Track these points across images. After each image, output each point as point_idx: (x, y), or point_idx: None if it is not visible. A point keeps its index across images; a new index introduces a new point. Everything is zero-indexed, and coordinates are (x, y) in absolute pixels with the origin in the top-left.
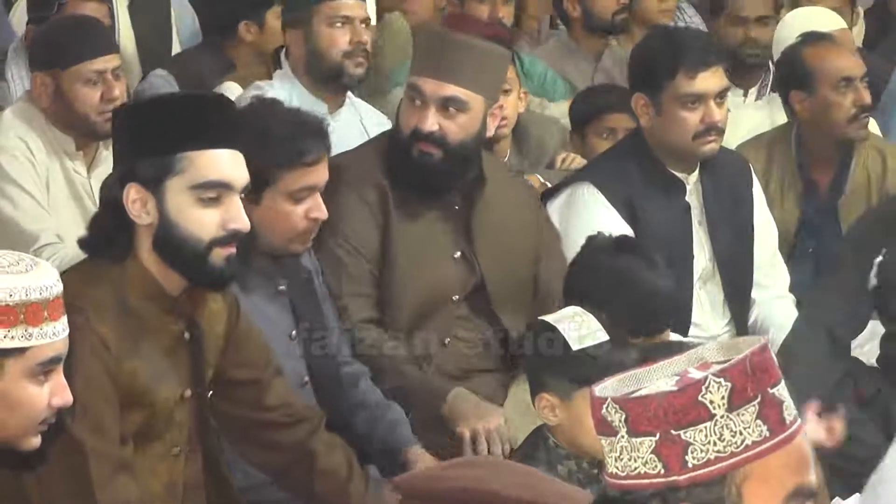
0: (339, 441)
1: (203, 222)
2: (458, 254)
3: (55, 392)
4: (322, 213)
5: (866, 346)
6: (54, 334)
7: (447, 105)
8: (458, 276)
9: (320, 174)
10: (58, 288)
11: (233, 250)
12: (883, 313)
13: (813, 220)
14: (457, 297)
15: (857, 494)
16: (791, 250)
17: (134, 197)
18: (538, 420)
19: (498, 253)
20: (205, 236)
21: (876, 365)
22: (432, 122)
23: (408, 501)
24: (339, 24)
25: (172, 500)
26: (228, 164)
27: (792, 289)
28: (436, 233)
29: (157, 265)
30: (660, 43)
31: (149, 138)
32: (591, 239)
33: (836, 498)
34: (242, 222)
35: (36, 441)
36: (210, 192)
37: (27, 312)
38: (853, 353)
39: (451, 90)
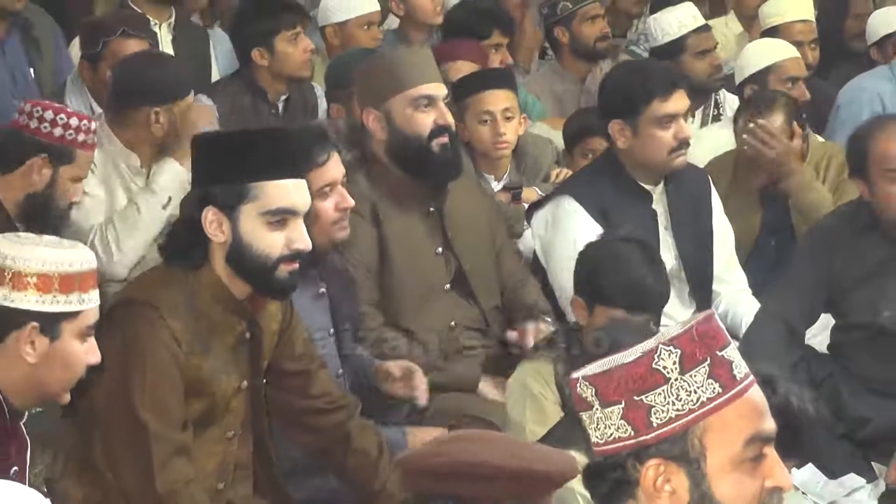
0: (371, 425)
1: (271, 243)
2: (439, 249)
3: (90, 352)
4: (349, 201)
5: (818, 336)
6: (97, 300)
7: (444, 101)
8: (442, 268)
9: (336, 169)
10: (94, 262)
11: (296, 266)
12: (832, 308)
13: (772, 221)
14: (447, 286)
15: (811, 464)
16: (754, 247)
17: (211, 218)
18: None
19: (470, 245)
20: (273, 254)
21: (827, 352)
22: (449, 116)
23: (409, 476)
24: None
25: (224, 478)
26: (293, 193)
27: (755, 281)
28: (419, 233)
29: (227, 275)
30: (632, 73)
31: (226, 168)
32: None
33: (793, 468)
34: (305, 243)
35: (67, 397)
36: (278, 217)
37: (81, 280)
38: (807, 342)
39: (443, 88)
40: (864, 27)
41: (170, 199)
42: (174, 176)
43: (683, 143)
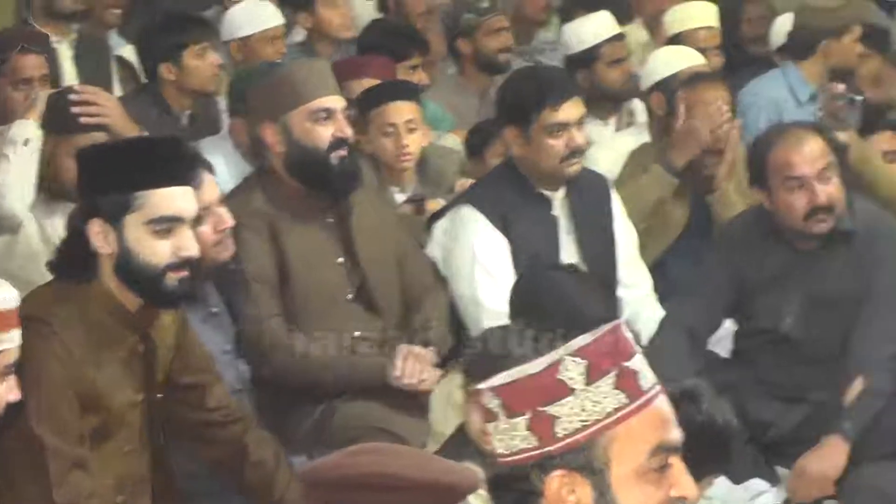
0: (269, 437)
1: (158, 251)
2: (341, 259)
3: (10, 391)
4: (227, 221)
5: (722, 341)
6: (16, 340)
7: (344, 113)
8: (344, 279)
9: (211, 192)
10: (13, 302)
11: (185, 273)
12: (736, 313)
13: (698, 223)
14: (350, 296)
15: (724, 476)
16: (676, 245)
17: (97, 230)
18: (459, 410)
19: (373, 255)
20: (160, 263)
21: (729, 357)
22: (348, 129)
23: (313, 489)
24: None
25: (123, 492)
26: (179, 200)
27: (671, 280)
28: (319, 243)
29: (117, 287)
30: (525, 81)
31: (109, 178)
32: (534, 259)
33: (707, 477)
34: (193, 250)
35: None
36: (163, 225)
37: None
38: (711, 348)
39: (342, 100)
40: (761, 31)
41: (27, 140)
42: (23, 125)
43: (576, 152)
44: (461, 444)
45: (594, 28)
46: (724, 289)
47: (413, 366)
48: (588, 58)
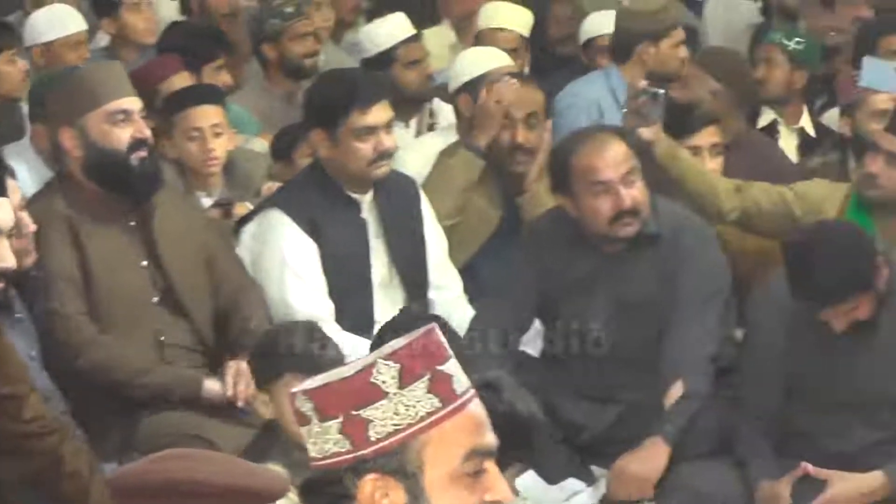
0: (84, 447)
1: None
2: (144, 262)
3: None
4: (28, 227)
5: (533, 342)
6: None
7: (141, 113)
8: (148, 282)
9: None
10: None
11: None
12: (544, 314)
13: (511, 224)
14: (155, 299)
15: (531, 471)
16: (488, 245)
17: None
18: None
19: (178, 258)
20: None
21: (540, 358)
22: (147, 129)
23: (120, 495)
24: None
25: None
26: None
27: (485, 282)
28: (121, 246)
29: None
30: (333, 83)
31: None
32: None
33: (511, 468)
34: (10, 261)
35: None
36: None
37: None
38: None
39: (139, 102)
40: (567, 32)
41: None
42: None
43: (384, 155)
44: (266, 444)
45: (389, 30)
46: (531, 290)
47: (243, 384)
48: (384, 60)
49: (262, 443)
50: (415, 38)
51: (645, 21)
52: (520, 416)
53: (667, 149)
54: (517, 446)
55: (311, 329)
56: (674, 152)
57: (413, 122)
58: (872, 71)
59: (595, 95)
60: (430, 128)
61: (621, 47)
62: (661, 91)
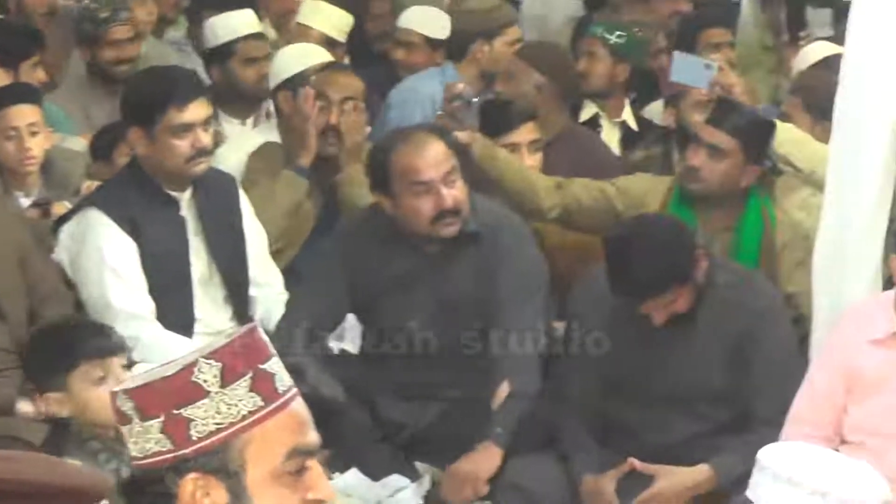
0: None
1: None
2: None
3: None
4: None
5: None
6: None
7: None
8: None
9: None
10: None
11: None
12: (361, 311)
13: (323, 215)
14: None
15: (354, 468)
16: (308, 243)
17: None
18: None
19: None
20: None
21: (359, 355)
22: None
23: None
24: None
25: None
26: None
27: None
28: None
29: None
30: (150, 81)
31: None
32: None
33: (335, 473)
34: None
35: None
36: None
37: None
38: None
39: None
40: (384, 28)
41: None
42: None
43: (202, 152)
44: (60, 440)
45: (231, 24)
46: (345, 286)
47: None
48: (224, 53)
49: (55, 438)
50: (257, 36)
51: (478, 20)
52: (324, 398)
53: (484, 149)
54: (323, 428)
55: (84, 319)
56: (491, 152)
57: (250, 121)
58: (682, 66)
59: (430, 91)
60: None
61: (456, 46)
62: (476, 99)
